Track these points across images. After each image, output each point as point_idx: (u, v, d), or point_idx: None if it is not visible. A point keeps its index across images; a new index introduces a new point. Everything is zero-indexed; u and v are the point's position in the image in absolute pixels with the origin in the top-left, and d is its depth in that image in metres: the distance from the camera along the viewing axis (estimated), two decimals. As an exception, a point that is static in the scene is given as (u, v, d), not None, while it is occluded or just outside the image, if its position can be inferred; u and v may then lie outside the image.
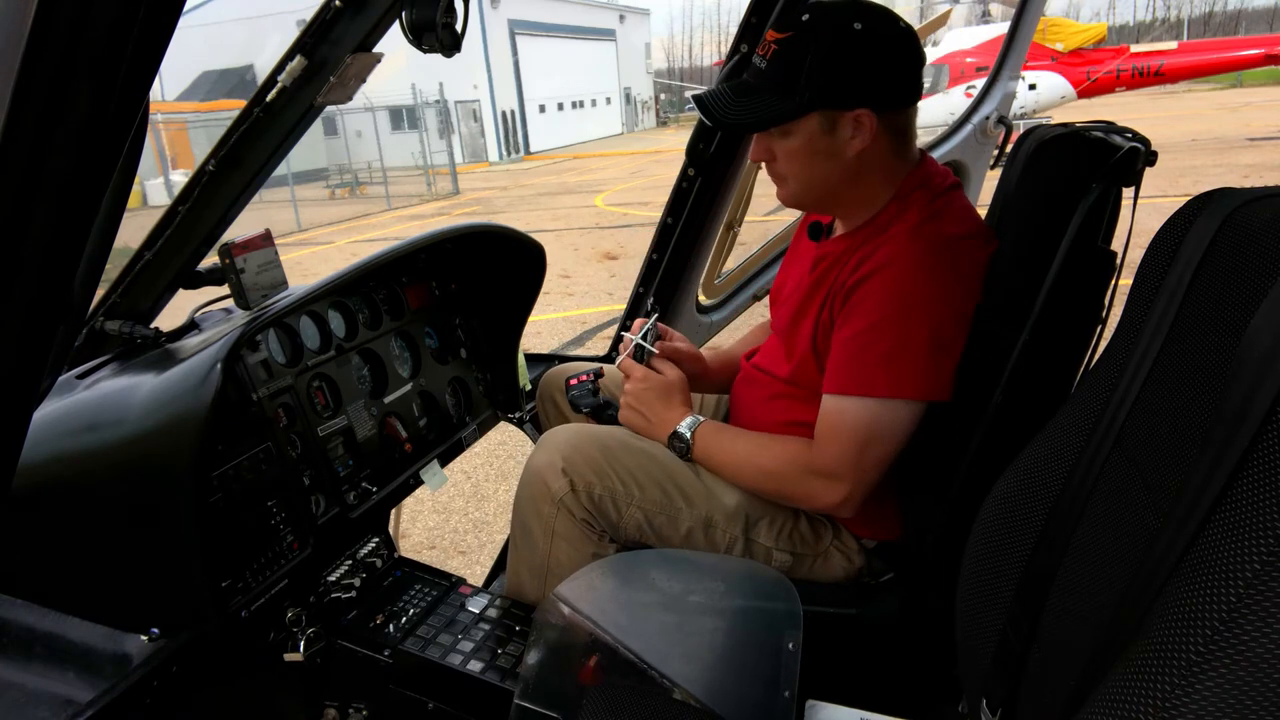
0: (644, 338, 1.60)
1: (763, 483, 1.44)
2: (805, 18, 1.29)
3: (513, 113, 32.29)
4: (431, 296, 1.90)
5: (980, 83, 2.83)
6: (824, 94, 1.29)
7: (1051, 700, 0.86)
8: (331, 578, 1.49)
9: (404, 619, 1.49)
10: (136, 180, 1.86)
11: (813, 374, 1.41)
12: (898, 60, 1.32)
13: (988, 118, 2.71)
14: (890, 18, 1.31)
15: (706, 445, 1.47)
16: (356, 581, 1.51)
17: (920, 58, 1.35)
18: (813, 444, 1.37)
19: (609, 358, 2.32)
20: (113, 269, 1.33)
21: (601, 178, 19.78)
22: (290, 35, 1.32)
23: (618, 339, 1.57)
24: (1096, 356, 1.05)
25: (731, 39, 2.00)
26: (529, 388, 2.03)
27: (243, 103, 1.38)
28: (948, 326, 1.30)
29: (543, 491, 1.44)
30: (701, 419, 1.50)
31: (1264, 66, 17.50)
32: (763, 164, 1.45)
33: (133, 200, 2.37)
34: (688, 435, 1.48)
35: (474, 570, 3.07)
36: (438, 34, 1.23)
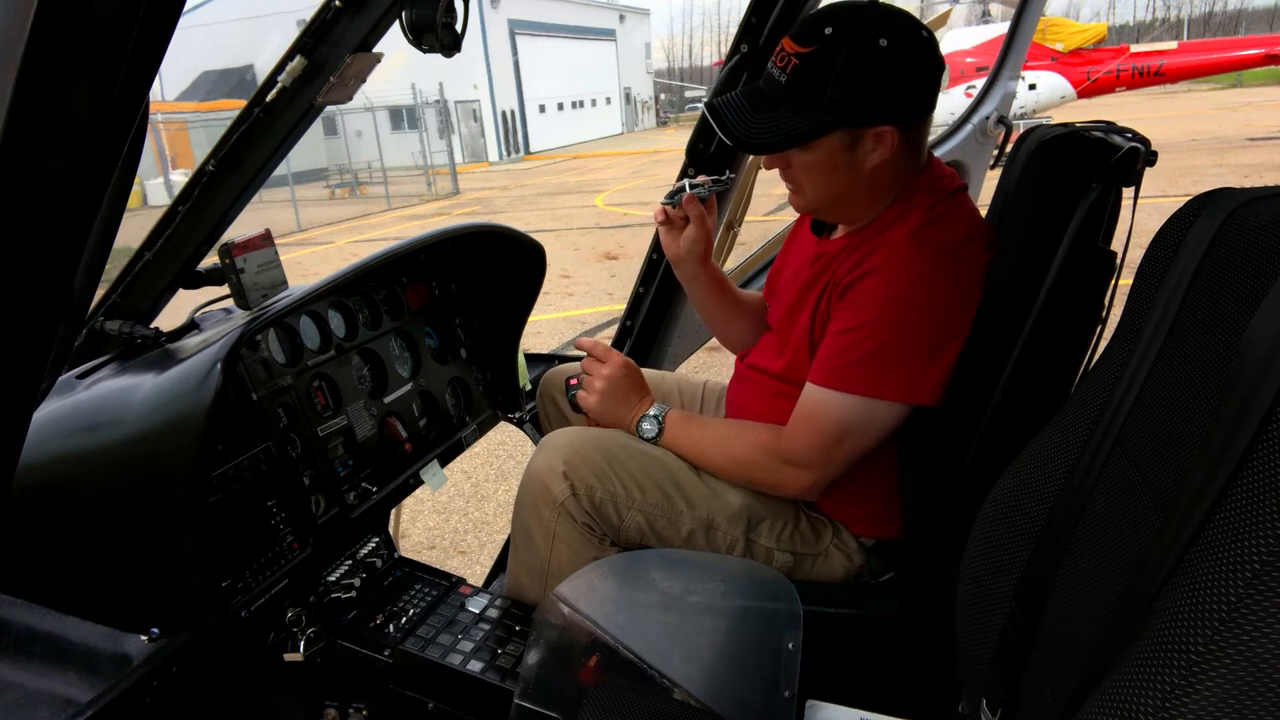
0: (699, 187, 1.56)
1: (732, 469, 1.45)
2: (828, 31, 1.26)
3: (513, 113, 32.30)
4: (431, 296, 1.90)
5: (980, 83, 2.83)
6: (848, 113, 1.28)
7: (1051, 700, 0.86)
8: (331, 578, 1.49)
9: (404, 619, 1.49)
10: (136, 180, 1.86)
11: (808, 370, 1.41)
12: (921, 74, 1.31)
13: (988, 118, 2.71)
14: (912, 28, 1.28)
15: (676, 430, 1.49)
16: (356, 581, 1.51)
17: (940, 65, 1.33)
18: (785, 431, 1.38)
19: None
20: (113, 269, 1.33)
21: (601, 178, 19.77)
22: (290, 35, 1.32)
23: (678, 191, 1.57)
24: (1096, 356, 1.05)
25: (731, 39, 2.00)
26: (529, 388, 2.03)
27: (243, 103, 1.38)
28: (940, 332, 1.29)
29: (544, 495, 1.43)
30: (668, 406, 1.52)
31: (1264, 66, 17.49)
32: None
33: (133, 200, 2.37)
34: (659, 417, 1.50)
35: (474, 570, 3.07)
36: (438, 34, 1.23)
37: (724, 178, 1.59)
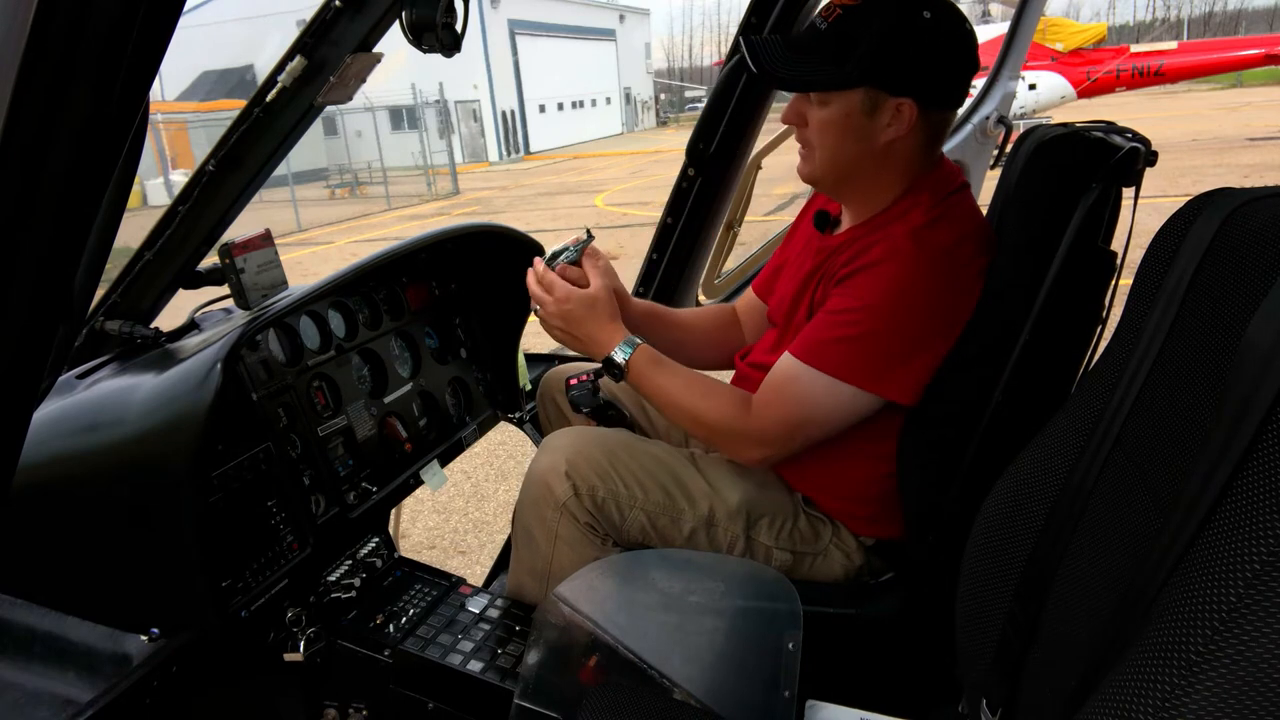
0: (564, 252, 1.49)
1: (691, 426, 1.44)
2: None
3: (513, 113, 32.32)
4: (431, 296, 1.90)
5: (980, 83, 2.83)
6: (874, 73, 1.28)
7: (1052, 700, 0.86)
8: (331, 578, 1.49)
9: (404, 619, 1.49)
10: (136, 180, 1.86)
11: None
12: (955, 59, 1.31)
13: (988, 118, 2.71)
14: (958, 15, 1.29)
15: (641, 374, 1.43)
16: (356, 581, 1.51)
17: (975, 65, 1.33)
18: (753, 403, 1.38)
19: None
20: (113, 269, 1.33)
21: (601, 178, 19.77)
22: (290, 35, 1.32)
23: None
24: (1096, 356, 1.05)
25: (731, 39, 2.00)
26: (529, 388, 2.03)
27: (243, 103, 1.38)
28: (924, 333, 1.30)
29: (546, 496, 1.43)
30: (638, 341, 1.44)
31: (1264, 66, 17.48)
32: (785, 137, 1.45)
33: (133, 200, 2.37)
34: (622, 362, 1.43)
35: (474, 570, 3.07)
36: (438, 34, 1.23)
37: (586, 238, 1.53)
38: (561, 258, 1.50)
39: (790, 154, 1.61)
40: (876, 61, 1.27)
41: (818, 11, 1.33)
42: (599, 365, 1.81)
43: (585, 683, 1.22)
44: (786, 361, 1.35)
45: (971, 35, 1.31)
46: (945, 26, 1.28)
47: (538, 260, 1.50)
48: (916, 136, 1.34)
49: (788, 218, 1.73)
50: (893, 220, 1.36)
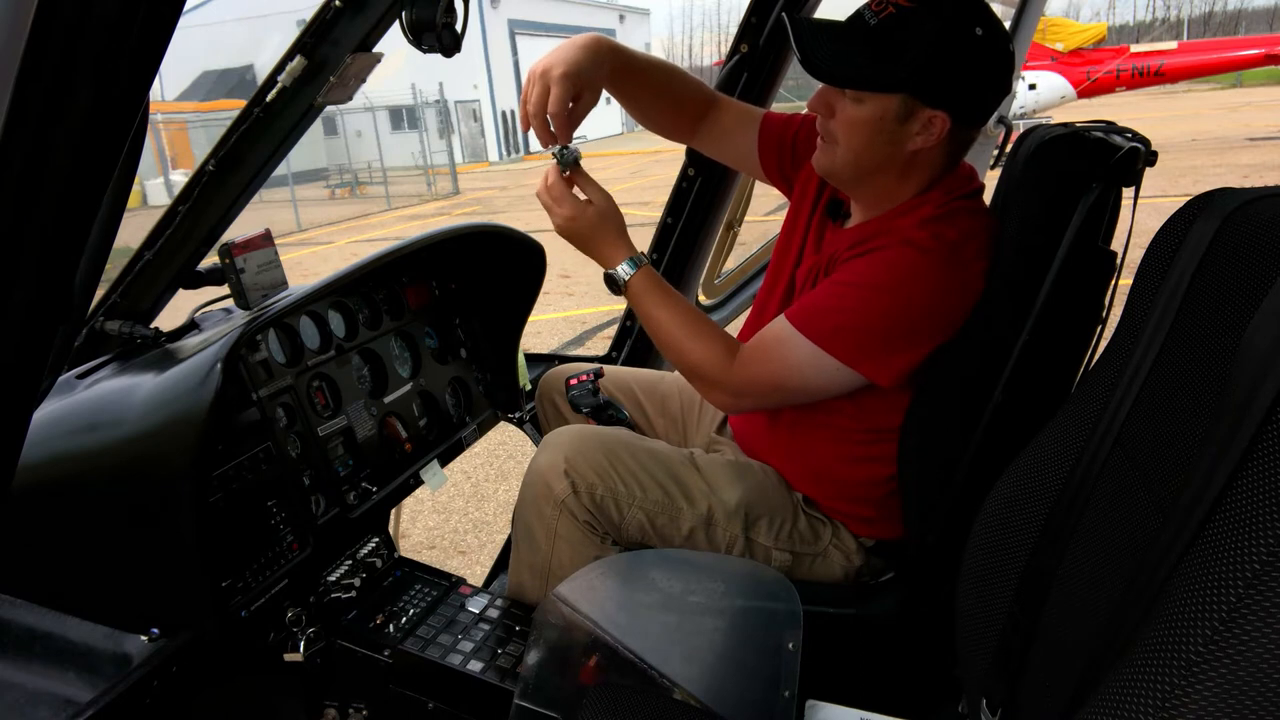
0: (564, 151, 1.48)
1: (674, 359, 1.46)
2: None
3: (513, 112, 32.28)
4: (431, 296, 1.90)
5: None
6: (917, 81, 1.26)
7: (1051, 700, 0.86)
8: (331, 578, 1.49)
9: (404, 619, 1.49)
10: (136, 180, 1.86)
11: None
12: (994, 80, 1.29)
13: (988, 118, 2.70)
14: (1005, 36, 1.28)
15: (638, 296, 1.45)
16: (356, 581, 1.51)
17: (1009, 88, 1.32)
18: (739, 355, 1.39)
19: (609, 358, 2.32)
20: (113, 269, 1.33)
21: (601, 178, 19.49)
22: (290, 35, 1.32)
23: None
24: (1097, 356, 1.05)
25: (731, 39, 2.00)
26: (529, 388, 2.03)
27: (243, 103, 1.38)
28: (920, 322, 1.30)
29: (545, 493, 1.44)
30: (643, 261, 1.46)
31: (1264, 66, 17.47)
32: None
33: (133, 200, 2.37)
34: (623, 280, 1.46)
35: (474, 570, 3.07)
36: (438, 34, 1.23)
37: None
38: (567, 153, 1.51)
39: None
40: (921, 71, 1.24)
41: (869, 4, 1.29)
42: (598, 366, 1.82)
43: (585, 683, 1.22)
44: (780, 323, 1.36)
45: (1012, 58, 1.29)
46: (993, 46, 1.26)
47: (553, 168, 1.53)
48: (942, 149, 1.33)
49: (788, 217, 1.73)
50: (903, 214, 1.35)
